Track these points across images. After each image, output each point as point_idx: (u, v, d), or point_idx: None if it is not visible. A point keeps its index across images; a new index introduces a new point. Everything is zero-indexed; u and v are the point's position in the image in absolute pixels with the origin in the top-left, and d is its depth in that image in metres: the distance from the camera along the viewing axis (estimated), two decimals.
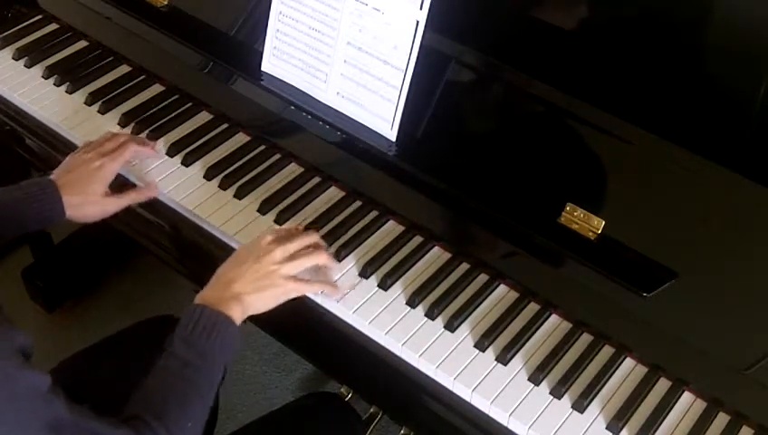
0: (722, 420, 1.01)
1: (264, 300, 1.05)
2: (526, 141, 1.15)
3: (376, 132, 1.22)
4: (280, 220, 1.21)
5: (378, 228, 1.21)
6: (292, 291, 1.07)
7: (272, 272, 1.05)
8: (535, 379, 1.03)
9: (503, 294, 1.14)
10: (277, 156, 1.31)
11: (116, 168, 1.21)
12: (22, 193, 1.14)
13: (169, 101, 1.41)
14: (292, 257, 1.07)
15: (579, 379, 1.04)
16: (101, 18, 1.49)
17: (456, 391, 1.04)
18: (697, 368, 1.02)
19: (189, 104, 1.40)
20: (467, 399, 1.03)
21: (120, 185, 1.25)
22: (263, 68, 1.31)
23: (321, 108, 1.26)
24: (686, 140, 1.03)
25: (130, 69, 1.47)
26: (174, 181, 1.27)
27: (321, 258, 1.11)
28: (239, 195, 1.25)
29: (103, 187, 1.20)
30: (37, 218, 1.15)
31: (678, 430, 1.00)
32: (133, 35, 1.45)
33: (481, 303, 1.12)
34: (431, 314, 1.10)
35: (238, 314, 1.01)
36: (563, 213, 1.09)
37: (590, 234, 1.08)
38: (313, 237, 1.12)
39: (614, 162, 1.09)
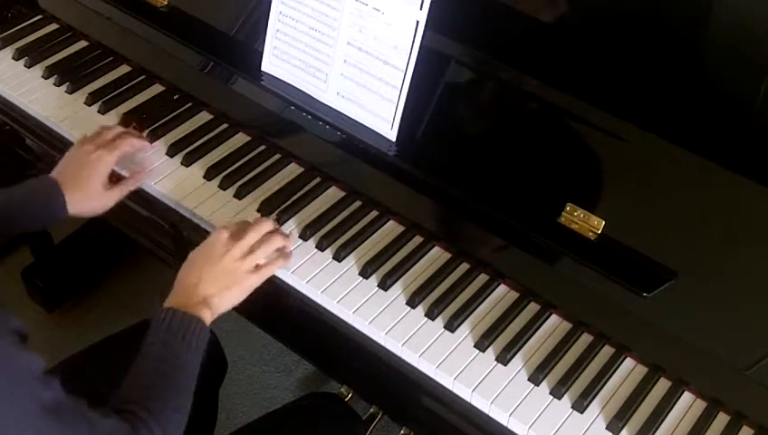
0: (722, 420, 1.01)
1: (230, 298, 1.06)
2: (526, 141, 1.15)
3: (376, 132, 1.22)
4: (280, 220, 1.21)
5: (378, 228, 1.21)
6: (256, 282, 1.09)
7: (234, 269, 1.07)
8: (535, 379, 1.04)
9: (503, 294, 1.14)
10: (277, 156, 1.31)
11: (113, 159, 1.21)
12: (25, 192, 1.15)
13: (169, 101, 1.41)
14: (250, 250, 1.09)
15: (579, 379, 1.04)
16: (101, 18, 1.49)
17: (456, 391, 1.04)
18: (697, 368, 1.02)
19: (189, 104, 1.40)
20: (467, 399, 1.03)
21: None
22: (263, 68, 1.31)
23: (321, 108, 1.26)
24: (686, 139, 1.03)
25: (130, 69, 1.48)
26: (174, 181, 1.27)
27: (278, 242, 1.13)
28: (239, 195, 1.25)
29: (102, 180, 1.20)
30: (41, 217, 1.16)
31: (678, 430, 1.00)
32: (133, 35, 1.45)
33: (481, 303, 1.12)
34: (431, 314, 1.10)
35: (208, 317, 1.03)
36: (563, 213, 1.09)
37: (590, 234, 1.08)
38: (267, 225, 1.13)
39: (614, 162, 1.09)
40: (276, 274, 1.15)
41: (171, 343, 0.97)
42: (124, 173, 1.26)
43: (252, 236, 1.10)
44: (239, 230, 1.10)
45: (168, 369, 0.96)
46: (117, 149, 1.22)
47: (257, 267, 1.09)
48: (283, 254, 1.14)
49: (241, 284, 1.07)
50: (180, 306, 1.01)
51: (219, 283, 1.05)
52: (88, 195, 1.18)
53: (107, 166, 1.21)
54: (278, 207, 1.23)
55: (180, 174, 1.29)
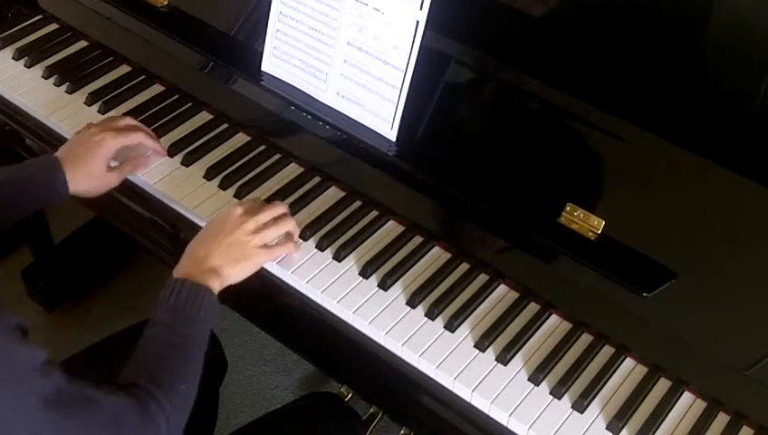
0: (722, 420, 1.01)
1: (239, 270, 1.08)
2: (526, 141, 1.15)
3: (376, 132, 1.22)
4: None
5: (378, 228, 1.21)
6: (266, 258, 1.11)
7: (245, 243, 1.08)
8: (535, 379, 1.03)
9: (503, 294, 1.14)
10: (277, 156, 1.31)
11: (116, 145, 1.22)
12: (28, 168, 1.16)
13: (169, 101, 1.41)
14: (263, 227, 1.10)
15: (579, 379, 1.04)
16: (101, 18, 1.49)
17: (456, 391, 1.04)
18: (697, 368, 1.02)
19: (189, 104, 1.40)
20: (467, 399, 1.03)
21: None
22: (263, 68, 1.31)
23: (321, 108, 1.26)
24: (685, 139, 1.03)
25: (130, 69, 1.47)
26: (174, 181, 1.27)
27: (289, 226, 1.14)
28: (239, 195, 1.25)
29: (103, 163, 1.21)
30: (42, 194, 1.17)
31: (678, 430, 1.00)
32: (133, 35, 1.45)
33: (481, 303, 1.12)
34: (431, 314, 1.10)
35: (217, 286, 1.03)
36: (563, 213, 1.09)
37: (590, 234, 1.08)
38: (281, 208, 1.15)
39: (614, 162, 1.09)
40: (276, 274, 1.15)
41: (180, 314, 0.98)
42: (114, 164, 1.26)
43: (266, 215, 1.11)
44: (253, 208, 1.12)
45: (176, 340, 0.97)
46: (123, 137, 1.23)
47: (267, 246, 1.10)
48: (292, 239, 1.15)
49: (251, 258, 1.09)
50: (189, 276, 1.02)
51: (230, 255, 1.07)
52: (88, 174, 1.20)
53: (108, 149, 1.21)
54: None
55: (180, 174, 1.29)
